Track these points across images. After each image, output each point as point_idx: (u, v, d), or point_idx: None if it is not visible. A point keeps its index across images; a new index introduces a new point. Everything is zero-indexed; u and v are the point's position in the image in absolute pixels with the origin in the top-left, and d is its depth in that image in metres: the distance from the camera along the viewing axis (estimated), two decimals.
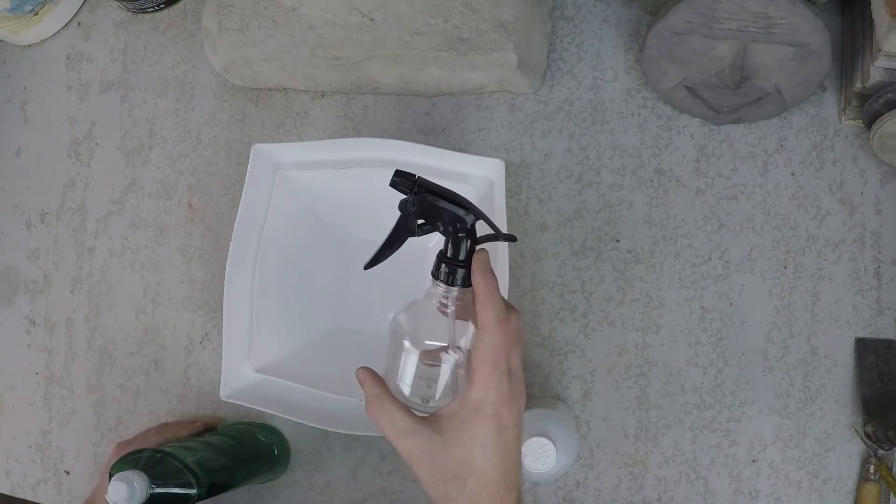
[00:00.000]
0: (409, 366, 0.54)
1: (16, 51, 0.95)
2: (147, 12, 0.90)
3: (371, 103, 0.84)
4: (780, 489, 0.74)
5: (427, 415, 0.54)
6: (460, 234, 0.52)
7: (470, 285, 0.53)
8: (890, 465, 0.72)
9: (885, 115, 0.68)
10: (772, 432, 0.74)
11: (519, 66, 0.75)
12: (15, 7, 0.88)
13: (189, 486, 0.66)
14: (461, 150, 0.81)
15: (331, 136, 0.85)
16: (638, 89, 0.79)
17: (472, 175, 0.76)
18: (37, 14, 0.90)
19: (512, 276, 0.75)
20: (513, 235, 0.55)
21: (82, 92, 0.92)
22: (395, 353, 0.54)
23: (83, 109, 0.92)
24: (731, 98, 0.73)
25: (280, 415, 0.76)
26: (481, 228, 0.54)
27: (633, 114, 0.79)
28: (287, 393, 0.76)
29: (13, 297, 0.91)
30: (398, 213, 0.77)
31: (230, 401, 0.77)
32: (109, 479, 0.63)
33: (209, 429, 0.81)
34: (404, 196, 0.53)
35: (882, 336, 0.74)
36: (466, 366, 0.53)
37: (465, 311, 0.53)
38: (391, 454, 0.80)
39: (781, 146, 0.77)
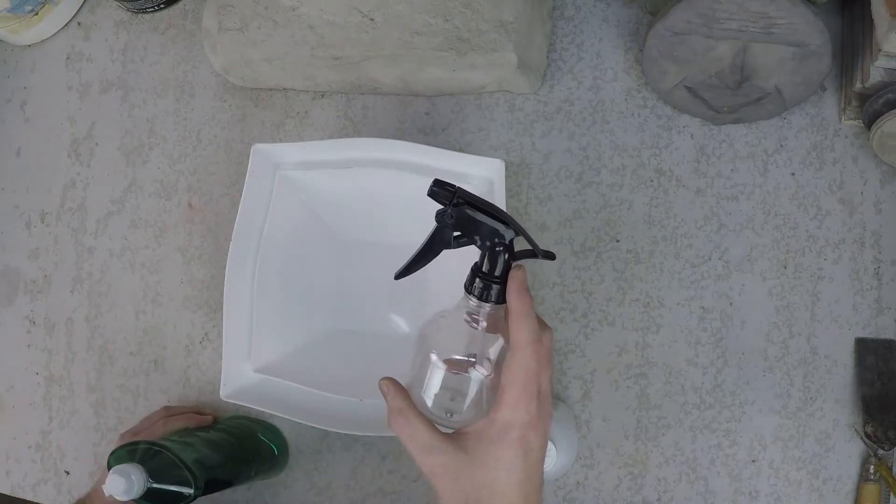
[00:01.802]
0: (435, 378, 0.52)
1: (16, 51, 0.95)
2: (147, 12, 0.90)
3: (371, 103, 0.84)
4: (780, 489, 0.74)
5: (451, 430, 0.53)
6: (498, 249, 0.51)
7: (503, 301, 0.51)
8: (890, 465, 0.72)
9: (885, 115, 0.68)
10: (772, 432, 0.74)
11: (519, 66, 0.75)
12: (15, 7, 0.88)
13: (186, 484, 0.66)
14: (461, 150, 0.81)
15: (331, 136, 0.85)
16: (638, 89, 0.79)
17: (472, 175, 0.76)
18: (37, 14, 0.90)
19: None
20: (551, 253, 0.53)
21: (82, 92, 0.92)
22: (421, 364, 0.53)
23: (83, 109, 0.92)
24: (731, 98, 0.73)
25: (280, 415, 0.76)
26: (518, 243, 0.53)
27: (633, 114, 0.79)
28: (287, 393, 0.76)
29: (13, 297, 0.91)
30: (397, 214, 0.78)
31: (230, 401, 0.77)
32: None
33: (214, 419, 0.82)
34: (441, 206, 0.51)
35: (882, 336, 0.74)
36: (494, 382, 0.52)
37: (496, 327, 0.52)
38: (391, 454, 0.80)
39: (781, 146, 0.77)
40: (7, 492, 0.89)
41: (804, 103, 0.76)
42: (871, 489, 0.71)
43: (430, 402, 0.52)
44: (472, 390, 0.52)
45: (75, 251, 0.90)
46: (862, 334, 0.74)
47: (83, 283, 0.89)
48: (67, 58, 0.93)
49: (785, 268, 0.76)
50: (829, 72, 0.70)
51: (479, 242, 0.51)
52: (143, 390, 0.86)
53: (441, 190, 0.51)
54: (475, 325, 0.52)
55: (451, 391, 0.52)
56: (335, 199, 0.78)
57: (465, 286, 0.52)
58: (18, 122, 0.94)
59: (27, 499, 0.89)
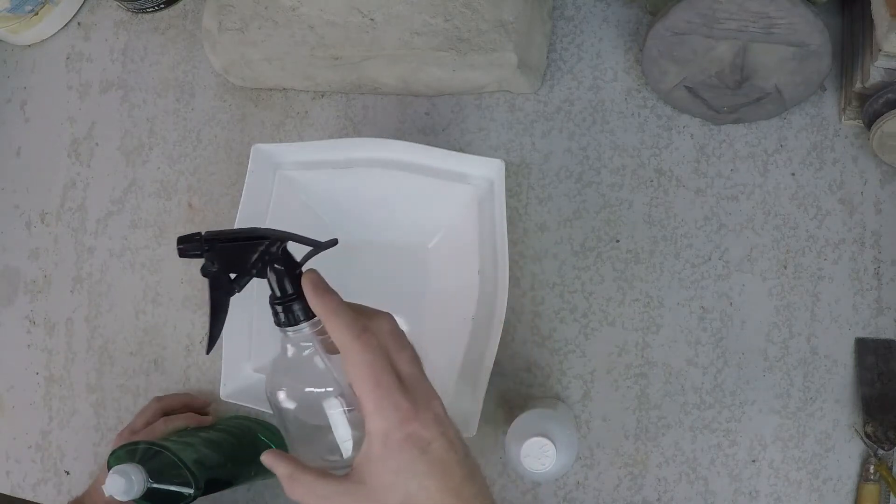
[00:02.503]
0: (301, 424, 0.48)
1: (16, 51, 0.95)
2: (147, 12, 0.90)
3: (371, 103, 0.84)
4: (780, 489, 0.74)
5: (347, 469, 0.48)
6: (277, 268, 0.47)
7: (314, 316, 0.48)
8: (890, 465, 0.72)
9: (885, 115, 0.68)
10: (772, 432, 0.74)
11: (519, 66, 0.75)
12: (15, 7, 0.88)
13: (186, 484, 0.66)
14: (461, 150, 0.81)
15: (331, 136, 0.85)
16: (638, 89, 0.79)
17: (472, 175, 0.76)
18: (37, 14, 0.90)
19: (512, 276, 0.74)
20: (333, 239, 0.49)
21: (82, 92, 0.92)
22: (282, 417, 0.48)
23: (83, 109, 0.92)
24: (731, 98, 0.73)
25: None
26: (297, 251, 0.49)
27: (633, 114, 0.79)
28: None
29: (13, 297, 0.91)
30: (397, 214, 0.78)
31: (230, 401, 0.77)
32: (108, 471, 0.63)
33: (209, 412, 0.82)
34: (201, 259, 0.48)
35: (882, 336, 0.74)
36: (355, 399, 0.47)
37: (330, 344, 0.47)
38: None
39: (781, 146, 0.77)
40: (7, 492, 0.89)
41: (804, 103, 0.76)
42: (871, 489, 0.71)
43: (313, 452, 0.48)
44: (343, 418, 0.47)
45: (75, 251, 0.90)
46: (862, 334, 0.74)
47: (83, 283, 0.89)
48: (67, 58, 0.93)
49: (785, 268, 0.76)
50: (829, 72, 0.70)
51: (255, 272, 0.48)
52: (143, 390, 0.86)
53: (188, 244, 0.48)
54: (307, 350, 0.48)
55: (326, 429, 0.47)
56: (335, 199, 0.78)
57: (274, 323, 0.48)
58: (18, 122, 0.94)
59: (27, 499, 0.89)
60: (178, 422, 0.78)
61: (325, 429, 0.47)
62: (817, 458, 0.74)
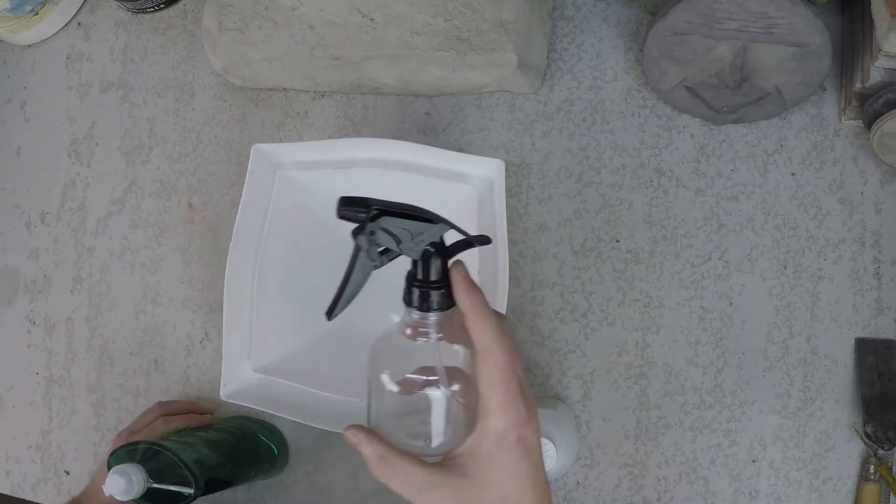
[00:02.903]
0: (400, 407, 0.47)
1: (16, 51, 0.95)
2: (147, 12, 0.90)
3: (371, 103, 0.84)
4: (780, 489, 0.74)
5: (436, 459, 0.48)
6: (429, 251, 0.45)
7: (449, 307, 0.46)
8: (890, 465, 0.72)
9: (885, 115, 0.68)
10: (772, 432, 0.74)
11: (519, 66, 0.75)
12: (15, 7, 0.88)
13: (186, 484, 0.66)
14: (461, 150, 0.81)
15: (331, 136, 0.85)
16: (638, 89, 0.79)
17: (472, 175, 0.76)
18: (37, 14, 0.90)
19: (512, 276, 0.74)
20: (485, 237, 0.47)
21: (82, 92, 0.92)
22: (378, 396, 0.48)
23: (83, 109, 0.92)
24: (731, 98, 0.73)
25: (280, 415, 0.76)
26: (449, 237, 0.47)
27: (633, 114, 0.79)
28: (287, 393, 0.76)
29: (13, 297, 0.91)
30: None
31: (230, 401, 0.77)
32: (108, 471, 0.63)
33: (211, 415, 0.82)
34: (358, 225, 0.45)
35: (882, 336, 0.74)
36: (466, 393, 0.47)
37: (450, 333, 0.47)
38: None
39: (781, 146, 0.77)
40: (7, 492, 0.89)
41: (804, 103, 0.76)
42: (871, 489, 0.71)
43: (403, 436, 0.47)
44: (441, 409, 0.47)
45: (75, 251, 0.90)
46: (862, 334, 0.74)
47: (83, 283, 0.89)
48: (67, 58, 0.93)
49: (785, 268, 0.76)
50: (829, 72, 0.70)
51: (404, 251, 0.46)
52: (143, 390, 0.86)
53: (353, 208, 0.45)
54: (425, 338, 0.47)
55: (421, 415, 0.47)
56: (335, 199, 0.78)
57: (403, 300, 0.47)
58: (18, 122, 0.94)
59: (27, 499, 0.89)
60: (177, 422, 0.78)
61: (417, 415, 0.47)
62: (817, 458, 0.74)
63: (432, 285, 0.46)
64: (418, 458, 0.47)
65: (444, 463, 0.47)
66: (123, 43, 0.91)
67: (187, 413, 0.81)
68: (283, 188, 0.77)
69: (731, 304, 0.76)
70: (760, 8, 0.65)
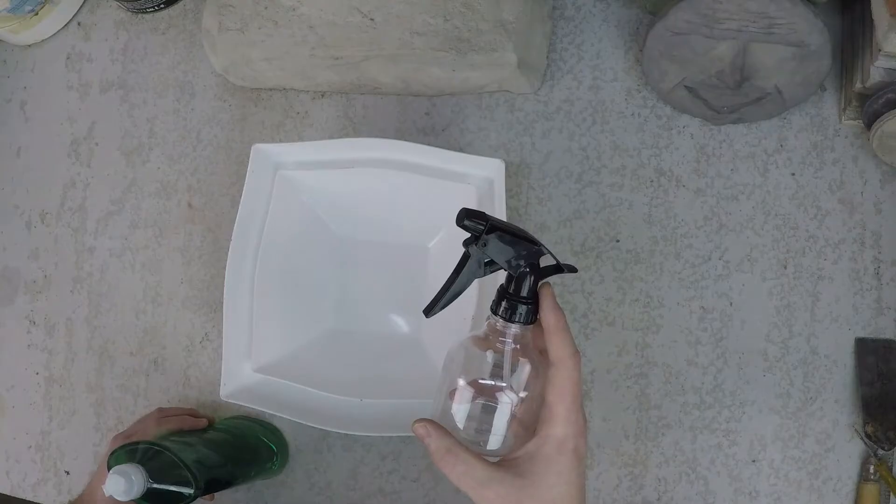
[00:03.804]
0: (470, 407, 0.51)
1: (16, 51, 0.95)
2: (147, 12, 0.90)
3: (371, 103, 0.84)
4: (780, 489, 0.74)
5: (494, 459, 0.52)
6: (525, 270, 0.50)
7: (531, 321, 0.51)
8: (890, 465, 0.72)
9: (886, 115, 0.68)
10: (772, 432, 0.74)
11: (519, 66, 0.75)
12: (15, 7, 0.88)
13: (186, 484, 0.66)
14: (461, 150, 0.81)
15: (331, 136, 0.85)
16: (638, 89, 0.79)
17: (472, 175, 0.76)
18: (37, 14, 0.90)
19: None
20: (573, 266, 0.52)
21: (82, 92, 0.92)
22: (451, 394, 0.52)
23: (83, 109, 0.92)
24: (731, 98, 0.73)
25: (280, 415, 0.76)
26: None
27: (633, 114, 0.79)
28: (287, 393, 0.76)
29: (13, 297, 0.91)
30: (397, 214, 0.77)
31: (230, 401, 0.77)
32: (108, 472, 0.63)
33: (209, 422, 0.82)
34: (471, 235, 0.50)
35: (882, 336, 0.74)
36: (532, 401, 0.51)
37: (523, 348, 0.52)
38: (391, 454, 0.80)
39: (781, 146, 0.77)
40: (7, 492, 0.89)
41: (804, 103, 0.76)
42: (871, 489, 0.71)
43: (468, 433, 0.51)
44: (506, 414, 0.51)
45: (75, 251, 0.90)
46: (862, 334, 0.74)
47: (83, 283, 0.89)
48: (67, 58, 0.93)
49: (785, 268, 0.76)
50: (829, 72, 0.70)
51: (508, 266, 0.51)
52: (143, 390, 0.86)
53: (472, 221, 0.50)
54: (501, 346, 0.51)
55: (487, 417, 0.51)
56: (335, 199, 0.78)
57: (491, 309, 0.51)
58: (18, 122, 0.94)
59: (27, 499, 0.89)
60: (171, 424, 0.78)
61: (482, 416, 0.51)
62: (817, 458, 0.74)
63: (522, 300, 0.51)
64: (480, 456, 0.50)
65: (503, 464, 0.51)
66: (123, 43, 0.91)
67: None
68: (283, 188, 0.77)
69: (731, 304, 0.76)
70: (760, 8, 0.65)
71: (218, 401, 0.81)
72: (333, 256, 0.81)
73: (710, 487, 0.75)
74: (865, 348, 0.74)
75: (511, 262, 0.50)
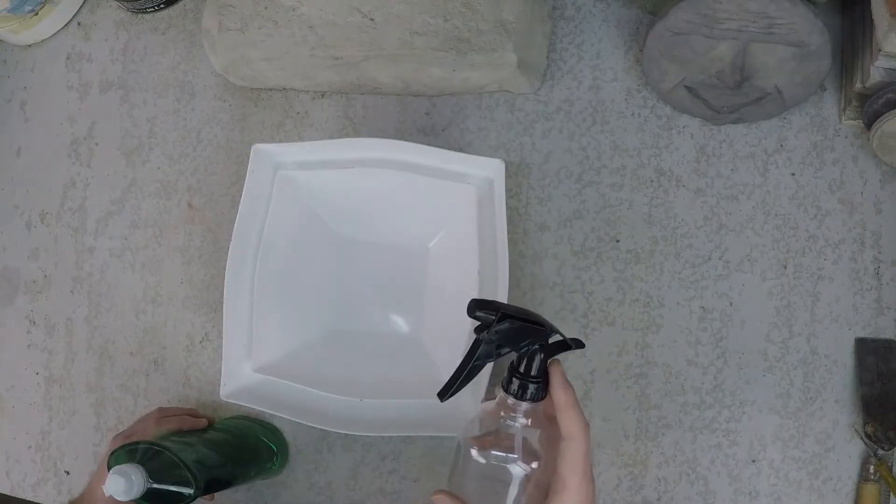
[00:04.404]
0: (480, 477, 0.53)
1: (16, 51, 0.95)
2: (147, 12, 0.90)
3: (371, 103, 0.84)
4: (780, 489, 0.74)
5: None
6: (534, 349, 0.52)
7: (540, 399, 0.53)
8: (890, 465, 0.72)
9: (886, 115, 0.68)
10: (772, 432, 0.74)
11: (519, 66, 0.75)
12: (15, 7, 0.88)
13: (187, 484, 0.66)
14: (461, 150, 0.81)
15: (331, 136, 0.85)
16: (638, 89, 0.79)
17: (472, 175, 0.76)
18: (37, 14, 0.91)
19: (512, 276, 0.74)
20: (580, 341, 0.54)
21: (82, 92, 0.92)
22: (465, 465, 0.54)
23: (83, 109, 0.92)
24: (731, 98, 0.73)
25: (280, 415, 0.76)
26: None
27: (633, 114, 0.79)
28: (287, 393, 0.76)
29: (13, 297, 0.91)
30: (397, 214, 0.77)
31: (230, 401, 0.77)
32: (108, 472, 0.63)
33: (209, 422, 0.82)
34: (482, 323, 0.52)
35: (882, 336, 0.74)
36: (539, 472, 0.53)
37: (535, 421, 0.54)
38: (391, 454, 0.80)
39: (781, 146, 0.77)
40: (7, 492, 0.89)
41: (804, 103, 0.76)
42: (871, 489, 0.71)
43: (474, 501, 0.53)
44: (517, 484, 0.53)
45: (75, 251, 0.90)
46: (862, 334, 0.74)
47: (83, 283, 0.89)
48: (67, 58, 0.93)
49: (785, 268, 0.76)
50: (829, 72, 0.70)
51: (518, 349, 0.52)
52: (143, 390, 0.86)
53: (483, 312, 0.51)
54: (514, 422, 0.53)
55: (497, 486, 0.53)
56: (335, 199, 0.78)
57: (503, 387, 0.53)
58: (18, 122, 0.94)
59: (27, 499, 0.89)
60: (171, 424, 0.78)
61: (494, 486, 0.53)
62: (817, 458, 0.74)
63: (531, 379, 0.52)
64: None
65: None
66: (123, 43, 0.91)
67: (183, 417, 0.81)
68: (283, 188, 0.77)
69: (731, 304, 0.76)
70: (760, 8, 0.65)
71: (218, 401, 0.81)
72: (333, 256, 0.81)
73: (710, 487, 0.75)
74: (865, 348, 0.74)
75: (521, 346, 0.52)
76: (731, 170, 0.77)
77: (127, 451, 0.67)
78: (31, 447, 0.89)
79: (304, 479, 0.82)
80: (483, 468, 0.53)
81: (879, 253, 0.75)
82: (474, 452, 0.53)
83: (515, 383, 0.53)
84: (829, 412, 0.74)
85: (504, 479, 0.53)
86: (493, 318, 0.51)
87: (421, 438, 0.79)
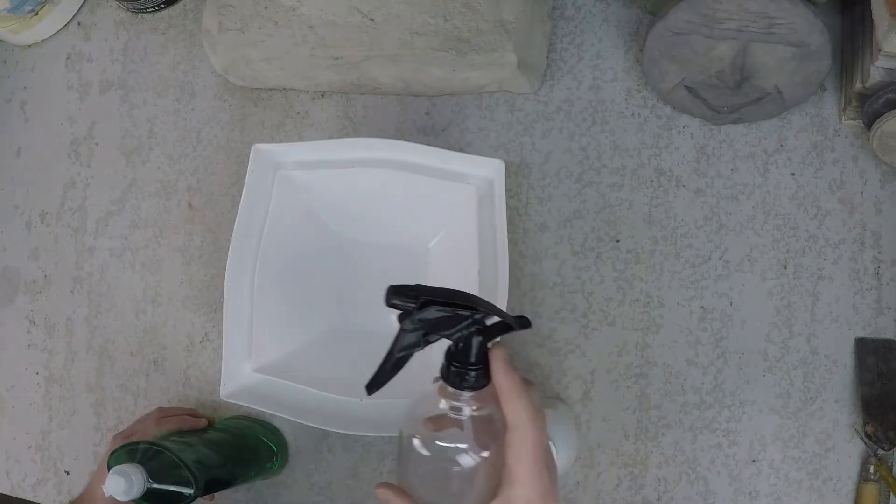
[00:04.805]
0: (426, 469, 0.50)
1: (16, 51, 0.95)
2: (147, 12, 0.90)
3: (371, 103, 0.84)
4: (780, 489, 0.74)
5: None
6: (470, 333, 0.47)
7: (483, 386, 0.49)
8: (890, 465, 0.72)
9: (886, 115, 0.68)
10: (772, 432, 0.74)
11: (519, 66, 0.75)
12: (15, 7, 0.88)
13: (187, 484, 0.66)
14: (461, 150, 0.81)
15: (331, 136, 0.85)
16: (638, 89, 0.79)
17: (472, 175, 0.76)
18: (37, 14, 0.91)
19: (512, 276, 0.74)
20: (526, 319, 0.49)
21: (82, 92, 0.92)
22: (409, 456, 0.50)
23: (83, 109, 0.92)
24: (731, 98, 0.73)
25: (280, 415, 0.76)
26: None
27: (633, 114, 0.79)
28: (287, 393, 0.76)
29: (13, 297, 0.91)
30: (397, 214, 0.78)
31: (230, 401, 0.76)
32: (108, 472, 0.63)
33: (209, 422, 0.82)
34: (404, 311, 0.47)
35: (882, 336, 0.74)
36: (493, 461, 0.49)
37: (482, 407, 0.50)
38: (391, 454, 0.80)
39: (781, 146, 0.77)
40: (7, 492, 0.89)
41: (804, 103, 0.76)
42: (871, 489, 0.71)
43: (428, 496, 0.50)
44: (469, 474, 0.49)
45: (75, 251, 0.90)
46: (862, 334, 0.74)
47: (83, 283, 0.89)
48: (67, 58, 0.93)
49: (785, 268, 0.76)
50: (829, 72, 0.70)
51: (449, 336, 0.47)
52: (143, 390, 0.86)
53: (401, 298, 0.47)
54: (458, 413, 0.49)
55: (447, 480, 0.50)
56: (335, 199, 0.78)
57: (441, 374, 0.49)
58: (18, 122, 0.94)
59: (27, 499, 0.89)
60: (171, 424, 0.78)
61: (444, 479, 0.50)
62: (817, 458, 0.74)
63: (470, 367, 0.48)
64: None
65: None
66: (123, 43, 0.91)
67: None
68: (283, 188, 0.77)
69: (731, 304, 0.76)
70: (760, 8, 0.65)
71: (218, 401, 0.81)
72: (333, 256, 0.81)
73: (710, 487, 0.75)
74: (865, 348, 0.74)
75: (452, 333, 0.47)
76: (731, 170, 0.77)
77: (127, 451, 0.67)
78: (31, 447, 0.89)
79: (304, 479, 0.82)
80: (427, 460, 0.49)
81: (879, 253, 0.75)
82: (417, 443, 0.49)
83: (453, 371, 0.48)
84: (829, 412, 0.74)
85: (450, 471, 0.49)
86: (413, 305, 0.46)
87: None
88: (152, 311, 0.87)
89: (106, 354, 0.88)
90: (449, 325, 0.47)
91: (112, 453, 0.67)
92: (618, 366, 0.77)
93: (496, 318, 0.48)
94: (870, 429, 0.72)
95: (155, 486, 0.64)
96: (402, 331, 0.47)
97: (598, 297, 0.78)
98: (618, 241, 0.78)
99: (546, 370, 0.78)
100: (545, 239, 0.79)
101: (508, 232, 0.74)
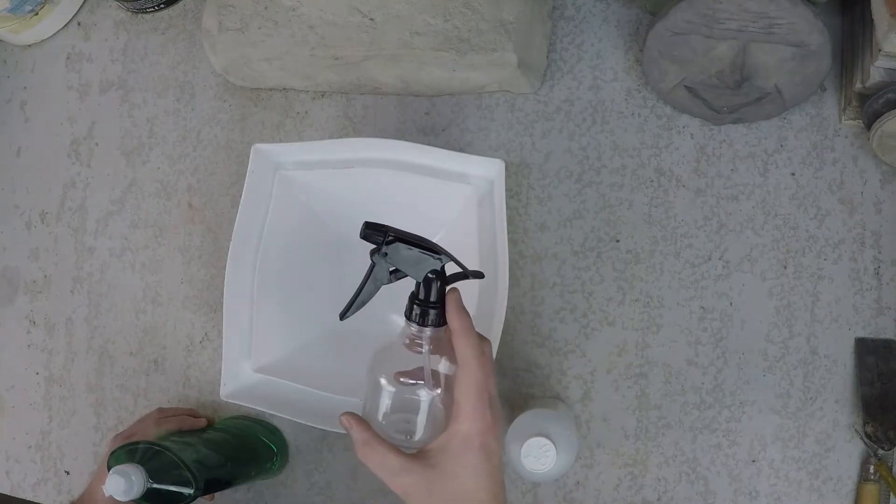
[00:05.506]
0: (389, 404, 0.55)
1: (16, 51, 0.95)
2: (147, 12, 0.90)
3: (371, 103, 0.84)
4: (780, 489, 0.74)
5: (413, 451, 0.56)
6: (430, 277, 0.54)
7: (442, 324, 0.55)
8: (890, 465, 0.72)
9: (886, 115, 0.68)
10: (772, 432, 0.74)
11: (519, 66, 0.75)
12: (15, 7, 0.88)
13: (186, 484, 0.66)
14: (461, 150, 0.81)
15: (331, 136, 0.85)
16: (638, 89, 0.79)
17: (472, 175, 0.76)
18: (37, 14, 0.91)
19: (512, 276, 0.75)
20: (480, 272, 0.56)
21: (82, 92, 0.92)
22: (374, 393, 0.56)
23: (83, 109, 0.92)
24: (731, 98, 0.73)
25: (280, 415, 0.76)
26: (450, 267, 0.56)
27: (633, 114, 0.79)
28: (287, 393, 0.76)
29: (13, 297, 0.91)
30: (397, 214, 0.77)
31: (230, 401, 0.77)
32: (108, 472, 0.63)
33: (209, 422, 0.82)
34: (374, 245, 0.54)
35: (882, 336, 0.74)
36: (446, 399, 0.55)
37: (439, 348, 0.55)
38: None
39: (781, 146, 0.77)
40: (7, 492, 0.89)
41: (804, 103, 0.76)
42: (871, 489, 0.71)
43: (388, 428, 0.56)
44: (425, 410, 0.55)
45: (75, 251, 0.90)
46: (862, 334, 0.74)
47: (83, 283, 0.89)
48: (67, 58, 0.93)
49: (785, 268, 0.76)
50: (829, 72, 0.70)
51: (413, 274, 0.55)
52: (143, 390, 0.86)
53: (373, 232, 0.54)
54: (419, 349, 0.55)
55: (406, 413, 0.55)
56: (335, 199, 0.78)
57: (405, 314, 0.55)
58: (18, 122, 0.94)
59: (27, 499, 0.89)
60: (171, 424, 0.78)
61: (404, 412, 0.55)
62: (817, 458, 0.74)
63: (430, 305, 0.55)
64: (396, 447, 0.55)
65: (417, 455, 0.55)
66: (123, 43, 0.91)
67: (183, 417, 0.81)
68: (283, 188, 0.77)
69: (731, 304, 0.76)
70: (760, 8, 0.65)
71: (218, 401, 0.81)
72: (333, 256, 0.81)
73: (710, 487, 0.75)
74: (865, 348, 0.74)
75: (414, 270, 0.54)
76: (731, 170, 0.77)
77: (127, 451, 0.67)
78: (31, 447, 0.89)
79: (304, 479, 0.82)
80: (391, 395, 0.55)
81: (879, 253, 0.75)
82: (383, 381, 0.55)
83: (416, 310, 0.55)
84: (829, 412, 0.74)
85: (412, 406, 0.55)
86: (382, 238, 0.54)
87: None
88: (152, 311, 0.87)
89: (106, 354, 0.88)
90: (413, 263, 0.54)
91: (112, 453, 0.67)
92: (618, 366, 0.77)
93: (456, 269, 0.56)
94: (870, 429, 0.72)
95: (155, 486, 0.65)
96: (373, 263, 0.55)
97: (598, 297, 0.78)
98: (618, 241, 0.78)
99: (546, 370, 0.78)
100: (545, 239, 0.79)
101: (508, 232, 0.74)
